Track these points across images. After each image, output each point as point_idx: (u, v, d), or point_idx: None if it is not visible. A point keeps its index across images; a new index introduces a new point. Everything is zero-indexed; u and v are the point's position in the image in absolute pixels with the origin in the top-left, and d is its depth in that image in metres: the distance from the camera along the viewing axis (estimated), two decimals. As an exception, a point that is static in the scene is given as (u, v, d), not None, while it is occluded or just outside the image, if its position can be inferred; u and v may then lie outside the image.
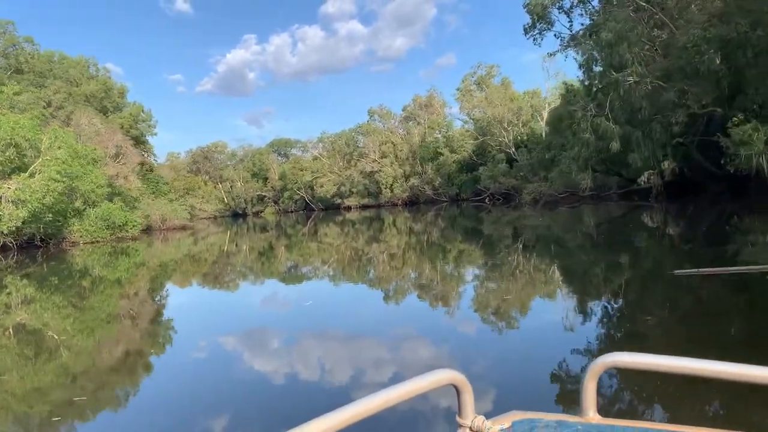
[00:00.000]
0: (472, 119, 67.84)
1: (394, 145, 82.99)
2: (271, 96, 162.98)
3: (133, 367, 6.80)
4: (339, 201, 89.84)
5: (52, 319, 10.40)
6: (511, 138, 60.22)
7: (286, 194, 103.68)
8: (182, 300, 12.62)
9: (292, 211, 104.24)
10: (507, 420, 1.29)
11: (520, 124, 61.34)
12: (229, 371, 6.06)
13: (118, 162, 39.37)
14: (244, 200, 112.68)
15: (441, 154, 70.62)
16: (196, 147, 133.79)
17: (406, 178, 79.96)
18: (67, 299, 13.01)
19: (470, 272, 13.51)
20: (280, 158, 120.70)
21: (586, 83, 34.40)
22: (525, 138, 61.01)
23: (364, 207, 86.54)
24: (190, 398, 5.32)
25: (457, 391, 1.28)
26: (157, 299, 12.75)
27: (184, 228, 52.54)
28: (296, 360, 6.26)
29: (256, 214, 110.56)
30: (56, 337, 8.45)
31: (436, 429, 3.88)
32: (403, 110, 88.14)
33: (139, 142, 60.78)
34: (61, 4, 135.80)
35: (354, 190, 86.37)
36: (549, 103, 60.02)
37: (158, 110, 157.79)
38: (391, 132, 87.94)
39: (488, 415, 1.30)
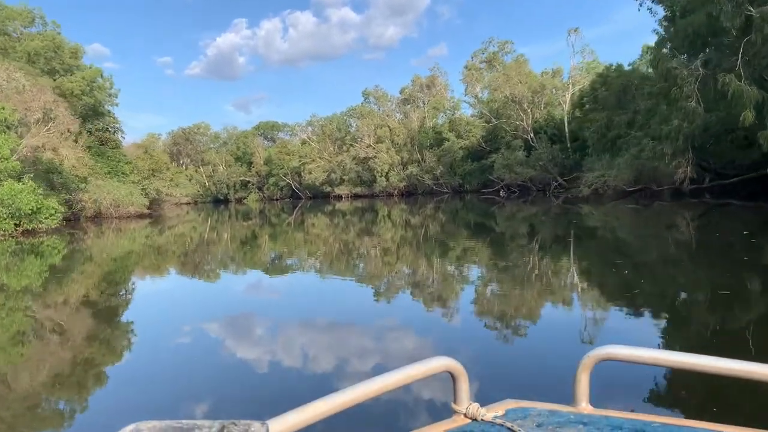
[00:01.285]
0: (482, 101, 58.45)
1: (391, 129, 73.38)
2: (261, 82, 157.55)
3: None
4: (328, 189, 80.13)
5: None
6: (530, 122, 50.91)
7: (272, 180, 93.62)
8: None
9: (277, 199, 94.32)
10: (501, 408, 1.29)
11: (541, 106, 52.05)
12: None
13: (48, 130, 29.44)
14: (227, 186, 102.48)
15: (446, 139, 61.04)
16: (177, 128, 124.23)
17: (404, 166, 70.44)
18: None
19: (474, 272, 11.62)
20: (266, 142, 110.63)
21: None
22: (543, 123, 51.94)
23: (356, 197, 76.96)
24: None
25: (453, 378, 1.28)
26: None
27: (142, 216, 42.54)
28: (283, 353, 5.94)
29: (239, 200, 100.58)
30: None
31: (431, 415, 3.75)
32: (401, 92, 78.49)
33: (96, 112, 50.97)
34: None
35: (345, 177, 76.67)
36: (573, 83, 50.85)
37: (146, 93, 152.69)
38: (388, 116, 78.33)
39: (483, 403, 1.29)
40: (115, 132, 59.53)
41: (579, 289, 8.78)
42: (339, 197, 78.61)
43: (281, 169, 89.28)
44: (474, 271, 11.62)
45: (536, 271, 10.57)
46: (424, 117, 75.12)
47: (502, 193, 49.97)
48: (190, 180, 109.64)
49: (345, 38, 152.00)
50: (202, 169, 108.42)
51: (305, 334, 6.75)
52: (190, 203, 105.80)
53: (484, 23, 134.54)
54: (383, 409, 3.86)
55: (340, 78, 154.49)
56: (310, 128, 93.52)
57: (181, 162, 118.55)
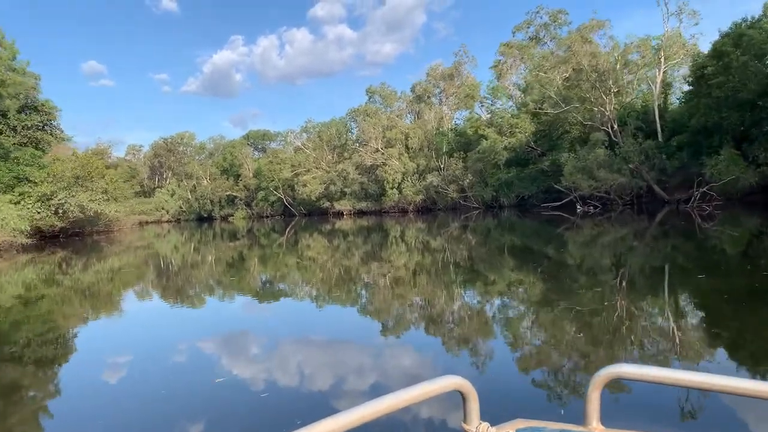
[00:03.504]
0: (527, 88, 42.27)
1: (403, 131, 57.25)
2: (258, 98, 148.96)
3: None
4: (326, 204, 63.46)
5: None
6: (611, 107, 34.65)
7: (260, 195, 76.79)
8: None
9: (267, 216, 77.49)
10: (511, 427, 1.26)
11: (636, 83, 35.81)
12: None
13: None
14: (211, 201, 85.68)
15: (484, 137, 44.54)
16: (158, 137, 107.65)
17: (420, 175, 54.11)
18: None
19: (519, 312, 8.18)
20: (257, 154, 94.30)
21: None
22: (623, 111, 35.86)
23: (361, 213, 60.43)
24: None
25: (463, 397, 1.24)
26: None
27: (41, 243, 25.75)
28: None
29: (225, 218, 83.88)
30: None
31: None
32: (412, 89, 62.44)
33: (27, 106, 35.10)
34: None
35: (347, 190, 60.02)
36: (666, 56, 34.86)
37: (142, 110, 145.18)
38: (398, 116, 62.18)
39: (493, 422, 1.26)
40: (52, 131, 43.39)
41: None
42: (339, 214, 62.05)
43: (271, 181, 72.62)
44: (519, 311, 8.05)
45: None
46: (442, 117, 58.98)
47: (579, 209, 33.40)
48: (172, 195, 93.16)
49: (341, 55, 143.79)
50: (185, 183, 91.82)
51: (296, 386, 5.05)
52: (171, 221, 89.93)
53: (481, 39, 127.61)
54: (392, 427, 3.60)
55: (337, 95, 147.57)
56: (305, 135, 77.09)
57: (163, 176, 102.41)
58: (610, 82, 33.01)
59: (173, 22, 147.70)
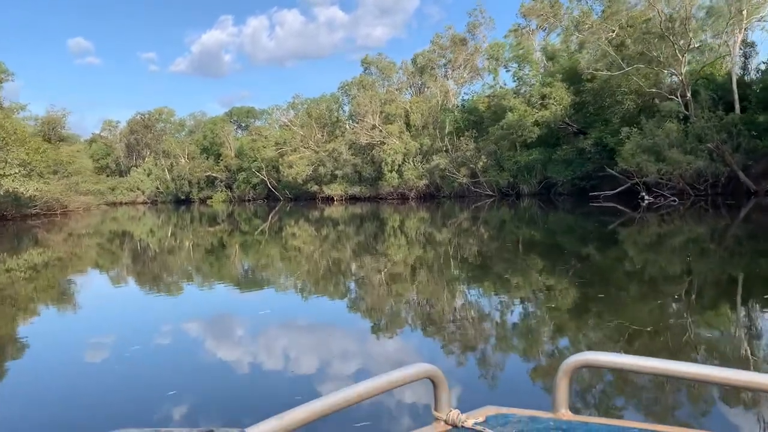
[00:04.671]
0: (567, 49, 33.81)
1: (405, 106, 48.62)
2: (247, 80, 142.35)
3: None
4: (315, 188, 54.74)
5: None
6: (684, 70, 26.26)
7: (242, 176, 67.85)
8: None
9: (249, 200, 68.59)
10: (481, 414, 1.25)
11: (707, 42, 27.45)
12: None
13: None
14: (189, 182, 76.49)
15: (510, 109, 35.89)
16: (135, 113, 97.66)
17: (424, 156, 45.71)
18: None
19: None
20: (241, 133, 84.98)
21: None
22: (690, 80, 27.65)
23: (353, 199, 51.86)
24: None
25: (434, 384, 1.22)
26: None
27: None
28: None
29: (204, 201, 74.88)
30: None
31: (412, 422, 3.46)
32: (414, 61, 53.64)
33: None
34: None
35: (338, 172, 51.26)
36: (749, 10, 26.62)
37: (129, 89, 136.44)
38: (398, 90, 53.50)
39: (463, 410, 1.25)
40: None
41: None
42: (329, 199, 53.40)
43: (254, 161, 63.62)
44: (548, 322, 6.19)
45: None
46: (447, 92, 50.38)
47: (646, 199, 25.05)
48: (148, 175, 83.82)
49: (332, 38, 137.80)
50: (163, 162, 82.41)
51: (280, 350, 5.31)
52: (147, 203, 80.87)
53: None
54: (364, 414, 3.42)
55: (327, 78, 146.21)
56: (292, 112, 67.96)
57: (140, 154, 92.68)
58: (690, 35, 24.57)
59: (162, 1, 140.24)
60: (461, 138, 42.28)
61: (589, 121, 33.21)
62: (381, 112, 47.51)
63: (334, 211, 38.08)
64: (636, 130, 25.90)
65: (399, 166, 45.42)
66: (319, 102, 62.39)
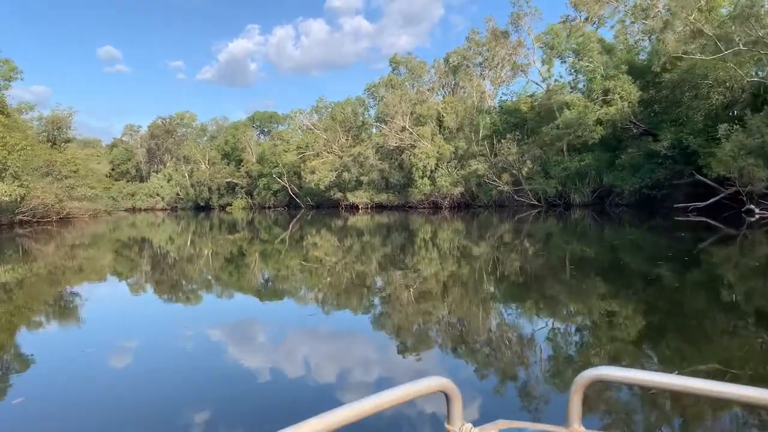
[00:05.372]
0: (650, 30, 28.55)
1: (437, 107, 43.91)
2: (272, 88, 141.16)
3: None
4: (338, 195, 50.32)
5: None
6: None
7: (262, 182, 63.89)
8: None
9: (269, 207, 64.63)
10: (494, 428, 1.25)
11: None
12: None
13: None
14: (209, 188, 72.80)
15: (567, 105, 30.77)
16: (156, 117, 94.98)
17: (459, 161, 40.91)
18: None
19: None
20: (264, 138, 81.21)
21: None
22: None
23: (380, 207, 47.29)
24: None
25: (447, 398, 1.21)
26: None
27: None
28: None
29: (224, 207, 71.27)
30: None
31: None
32: (446, 60, 48.98)
33: None
34: None
35: (364, 178, 46.74)
36: None
37: (157, 97, 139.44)
38: (430, 90, 48.87)
39: (476, 423, 1.24)
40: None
41: None
42: (354, 207, 48.90)
43: (274, 167, 59.57)
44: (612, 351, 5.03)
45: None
46: (483, 92, 45.51)
47: (756, 212, 19.74)
48: (168, 181, 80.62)
49: (357, 47, 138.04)
50: (183, 167, 78.98)
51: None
52: (166, 209, 77.85)
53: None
54: (375, 426, 3.25)
55: (351, 87, 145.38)
56: (315, 116, 63.86)
57: (161, 159, 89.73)
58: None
59: (190, 10, 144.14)
60: (502, 141, 37.35)
61: (656, 121, 28.01)
62: (411, 114, 42.84)
63: (359, 220, 33.72)
64: (738, 127, 20.67)
65: (431, 171, 40.61)
66: (343, 105, 58.15)
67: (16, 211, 26.23)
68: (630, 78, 28.56)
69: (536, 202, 36.65)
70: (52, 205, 28.58)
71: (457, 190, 39.82)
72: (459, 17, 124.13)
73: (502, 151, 37.05)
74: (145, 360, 5.16)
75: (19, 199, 24.48)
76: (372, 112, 55.94)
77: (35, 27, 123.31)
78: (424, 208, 42.78)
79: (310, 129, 58.86)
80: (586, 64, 30.87)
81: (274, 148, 60.82)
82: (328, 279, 10.43)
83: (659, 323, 6.03)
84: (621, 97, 28.34)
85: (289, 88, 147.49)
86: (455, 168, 40.48)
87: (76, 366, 4.99)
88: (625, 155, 28.60)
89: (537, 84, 39.27)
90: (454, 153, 40.46)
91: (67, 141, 39.68)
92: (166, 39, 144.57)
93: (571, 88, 32.87)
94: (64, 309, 8.00)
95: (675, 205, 23.75)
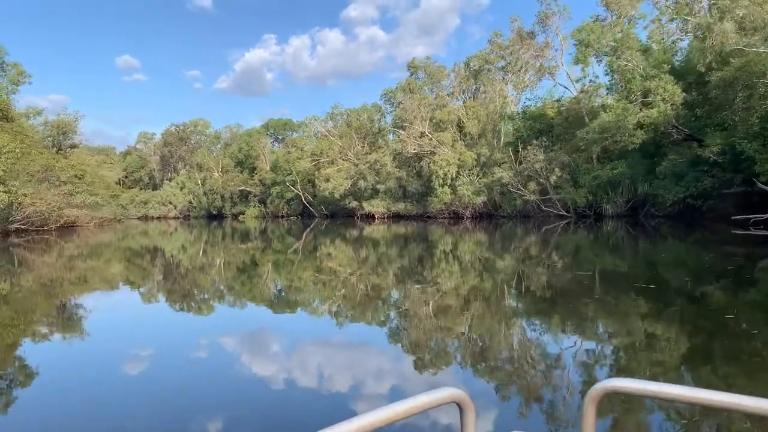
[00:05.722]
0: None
1: (458, 112, 41.79)
2: (288, 98, 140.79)
3: None
4: (353, 204, 48.29)
5: None
6: None
7: (275, 190, 62.16)
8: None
9: (282, 216, 62.83)
10: None
11: None
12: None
13: None
14: (221, 197, 71.22)
15: (603, 108, 28.43)
16: (170, 124, 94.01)
17: (482, 168, 38.68)
18: None
19: None
20: (278, 146, 79.60)
21: None
22: None
23: (397, 217, 45.14)
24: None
25: (460, 409, 1.20)
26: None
27: None
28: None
29: (236, 216, 69.70)
30: None
31: None
32: (467, 64, 46.92)
33: None
34: None
35: (381, 187, 44.70)
36: None
37: (174, 106, 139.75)
38: (451, 95, 46.82)
39: None
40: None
41: None
42: (370, 217, 46.80)
43: (288, 174, 57.79)
44: None
45: None
46: (506, 97, 43.33)
47: None
48: (181, 189, 79.26)
49: (372, 57, 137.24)
50: (197, 176, 77.53)
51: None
52: (179, 218, 76.48)
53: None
54: None
55: (366, 96, 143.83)
56: (331, 123, 62.11)
57: (174, 167, 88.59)
58: None
59: (207, 20, 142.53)
60: (528, 148, 35.07)
61: (698, 126, 25.56)
62: (431, 119, 40.76)
63: (375, 230, 31.79)
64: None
65: (452, 179, 38.39)
66: (359, 112, 56.30)
67: (10, 219, 24.48)
68: (672, 78, 26.17)
69: (565, 213, 34.24)
70: (50, 213, 26.79)
71: (480, 200, 37.54)
72: (475, 27, 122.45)
73: (528, 159, 34.76)
74: (158, 370, 5.15)
75: (10, 206, 22.70)
76: (389, 118, 54.10)
77: (54, 36, 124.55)
78: (444, 218, 40.53)
79: (325, 135, 57.04)
80: (625, 62, 28.47)
81: (288, 155, 59.10)
82: (342, 291, 9.92)
83: (704, 346, 5.54)
84: (663, 99, 25.96)
85: (304, 98, 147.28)
86: (477, 176, 38.22)
87: (90, 376, 4.91)
88: (666, 162, 26.17)
89: (564, 87, 36.99)
90: (476, 160, 38.23)
91: (73, 146, 38.13)
92: (184, 48, 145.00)
93: (607, 89, 30.49)
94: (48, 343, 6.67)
95: (733, 218, 21.21)
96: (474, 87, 46.51)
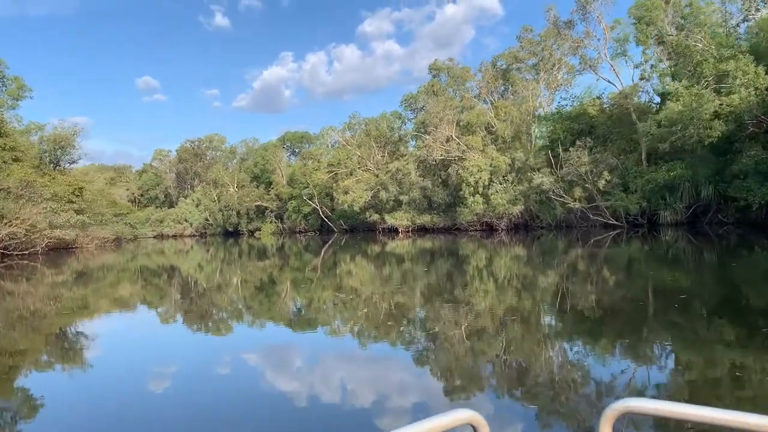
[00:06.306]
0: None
1: (488, 114, 38.00)
2: (306, 114, 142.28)
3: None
4: (375, 218, 44.57)
5: None
6: None
7: (292, 205, 58.90)
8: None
9: (300, 232, 59.44)
10: None
11: None
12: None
13: None
14: (237, 213, 68.24)
15: (667, 96, 24.32)
16: (184, 140, 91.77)
17: (517, 175, 34.74)
18: None
19: None
20: (294, 159, 76.59)
21: None
22: None
23: (422, 230, 41.27)
24: None
25: (474, 430, 1.16)
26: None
27: None
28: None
29: (252, 233, 66.70)
30: None
31: None
32: (493, 64, 43.17)
33: None
34: (99, 15, 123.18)
35: (404, 198, 41.02)
36: None
37: (194, 125, 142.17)
38: (478, 96, 43.07)
39: None
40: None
41: None
42: (393, 231, 42.97)
43: (305, 187, 54.45)
44: None
45: None
46: (537, 95, 39.45)
47: None
48: (197, 206, 76.64)
49: (389, 71, 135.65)
50: (212, 191, 74.88)
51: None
52: (195, 236, 73.90)
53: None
54: None
55: (382, 110, 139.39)
56: (348, 132, 58.78)
57: (190, 184, 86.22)
58: None
59: (225, 39, 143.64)
60: (570, 150, 31.06)
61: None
62: (460, 120, 37.02)
63: (399, 245, 28.44)
64: None
65: (484, 187, 34.44)
66: (378, 120, 52.86)
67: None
68: (752, 59, 22.06)
69: (615, 222, 30.03)
70: (27, 235, 23.49)
71: (516, 209, 33.47)
72: (490, 38, 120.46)
73: (570, 162, 30.70)
74: (181, 389, 5.13)
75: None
76: (409, 126, 50.52)
77: (77, 60, 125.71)
78: (476, 230, 36.53)
79: (343, 144, 53.66)
80: (694, 42, 24.35)
81: (304, 167, 55.83)
82: (364, 311, 9.12)
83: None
84: (744, 84, 21.81)
85: (322, 114, 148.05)
86: (512, 183, 34.22)
87: (115, 396, 4.92)
88: (746, 159, 21.92)
89: (608, 82, 32.90)
90: (510, 165, 34.25)
91: (73, 162, 35.47)
92: (203, 68, 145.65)
93: (672, 76, 26.21)
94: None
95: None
96: (502, 87, 42.69)
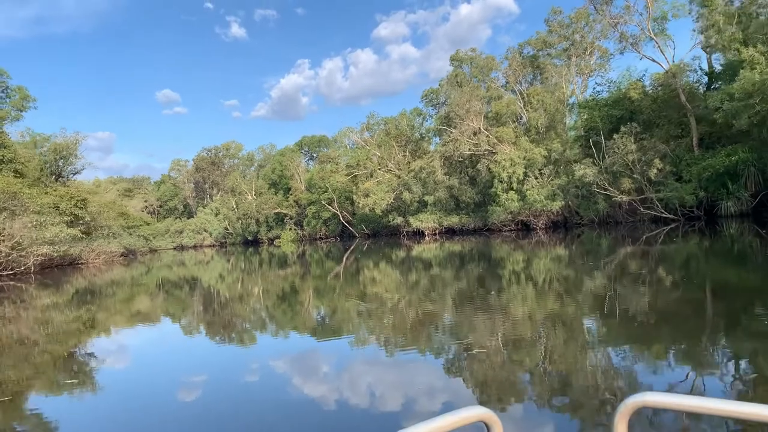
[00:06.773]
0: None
1: (518, 103, 34.95)
2: (323, 120, 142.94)
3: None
4: (398, 221, 41.73)
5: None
6: None
7: (311, 211, 56.45)
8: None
9: (320, 239, 56.97)
10: None
11: None
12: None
13: None
14: (256, 221, 66.16)
15: (743, 64, 21.18)
16: (201, 149, 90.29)
17: (555, 167, 31.58)
18: None
19: None
20: (312, 164, 74.34)
21: None
22: None
23: (450, 232, 38.31)
24: None
25: (488, 428, 1.16)
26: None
27: None
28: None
29: (272, 241, 64.61)
30: None
31: None
32: (520, 52, 40.05)
33: None
34: (119, 32, 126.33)
35: (429, 198, 38.13)
36: None
37: (214, 135, 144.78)
38: (506, 86, 39.99)
39: None
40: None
41: None
42: (418, 234, 40.10)
43: (324, 192, 51.95)
44: None
45: None
46: (569, 81, 36.20)
47: None
48: (216, 215, 74.95)
49: (405, 74, 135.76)
50: (230, 200, 73.09)
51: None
52: (214, 245, 72.29)
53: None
54: None
55: (400, 110, 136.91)
56: (367, 133, 56.17)
57: (208, 193, 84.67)
58: None
59: (242, 49, 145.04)
60: (614, 137, 27.82)
61: None
62: (488, 111, 34.04)
63: (425, 249, 25.86)
64: None
65: (518, 182, 31.32)
66: (398, 119, 50.12)
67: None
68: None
69: (668, 215, 26.68)
70: (9, 252, 21.17)
71: (556, 205, 30.24)
72: (506, 36, 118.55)
73: (614, 151, 27.44)
74: (210, 398, 5.07)
75: None
76: (430, 122, 47.67)
77: (99, 76, 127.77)
78: (510, 230, 33.41)
79: (362, 145, 51.04)
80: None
81: (322, 171, 53.36)
82: (390, 319, 8.39)
83: None
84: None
85: (339, 119, 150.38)
86: (549, 177, 31.04)
87: (146, 406, 4.87)
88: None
89: (652, 60, 29.55)
90: (546, 158, 31.07)
91: (76, 172, 33.54)
92: (221, 79, 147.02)
93: (743, 43, 22.83)
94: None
95: None
96: (531, 75, 39.54)
